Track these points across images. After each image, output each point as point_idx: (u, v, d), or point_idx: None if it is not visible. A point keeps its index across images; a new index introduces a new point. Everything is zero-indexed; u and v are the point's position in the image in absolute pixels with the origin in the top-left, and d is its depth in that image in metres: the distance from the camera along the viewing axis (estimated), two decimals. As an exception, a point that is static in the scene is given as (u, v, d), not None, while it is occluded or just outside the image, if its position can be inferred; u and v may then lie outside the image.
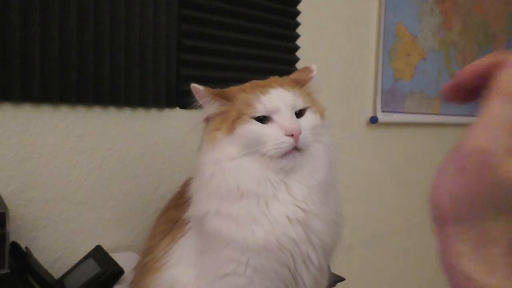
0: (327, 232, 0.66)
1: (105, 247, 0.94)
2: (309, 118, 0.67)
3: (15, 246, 0.81)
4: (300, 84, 0.71)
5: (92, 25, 0.93)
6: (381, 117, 1.69)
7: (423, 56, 1.89)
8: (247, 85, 0.72)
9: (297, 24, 1.34)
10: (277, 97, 0.65)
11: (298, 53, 1.35)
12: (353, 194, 1.67)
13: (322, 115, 0.70)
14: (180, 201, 0.76)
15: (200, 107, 0.69)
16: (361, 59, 1.67)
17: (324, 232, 0.65)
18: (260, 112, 0.64)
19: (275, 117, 0.64)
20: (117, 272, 0.85)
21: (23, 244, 0.84)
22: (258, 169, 0.64)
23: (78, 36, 0.91)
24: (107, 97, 0.96)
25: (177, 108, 1.10)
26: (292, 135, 0.62)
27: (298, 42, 1.35)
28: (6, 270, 0.71)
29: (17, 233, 0.87)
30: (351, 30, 1.60)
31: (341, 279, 1.09)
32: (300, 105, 0.67)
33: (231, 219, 0.64)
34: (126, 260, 0.88)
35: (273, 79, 0.74)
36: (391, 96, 1.75)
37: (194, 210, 0.69)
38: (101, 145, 0.99)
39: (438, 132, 2.03)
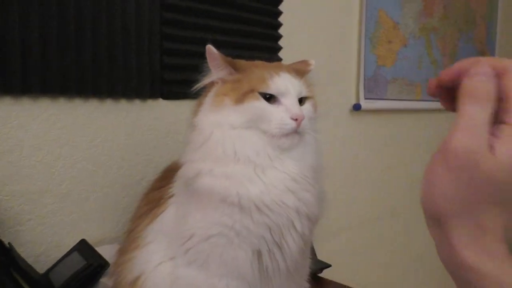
0: (314, 204, 0.69)
1: (90, 240, 0.93)
2: (308, 108, 0.72)
3: (-2, 241, 0.80)
4: (300, 74, 0.75)
5: (73, 13, 0.91)
6: (364, 104, 1.71)
7: (404, 42, 1.90)
8: (257, 62, 0.76)
9: (279, 13, 1.34)
10: (288, 81, 0.69)
11: (281, 42, 1.34)
12: (339, 179, 1.68)
13: (315, 109, 0.75)
14: (161, 183, 0.78)
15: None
16: (343, 47, 1.67)
17: (312, 204, 0.68)
18: (272, 90, 0.68)
19: (282, 100, 0.68)
20: (103, 265, 0.85)
21: (6, 239, 0.83)
22: (258, 142, 0.67)
23: (59, 25, 0.89)
24: (90, 88, 0.95)
25: (160, 99, 1.10)
26: (296, 119, 0.67)
27: (281, 30, 1.34)
28: (-10, 266, 0.70)
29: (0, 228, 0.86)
30: (333, 18, 1.60)
31: (327, 265, 1.10)
32: (304, 93, 0.72)
33: (225, 177, 0.65)
34: (111, 253, 0.87)
35: (277, 64, 0.78)
36: (373, 83, 1.76)
37: (185, 171, 0.70)
38: (84, 136, 0.98)
39: (419, 118, 2.06)
